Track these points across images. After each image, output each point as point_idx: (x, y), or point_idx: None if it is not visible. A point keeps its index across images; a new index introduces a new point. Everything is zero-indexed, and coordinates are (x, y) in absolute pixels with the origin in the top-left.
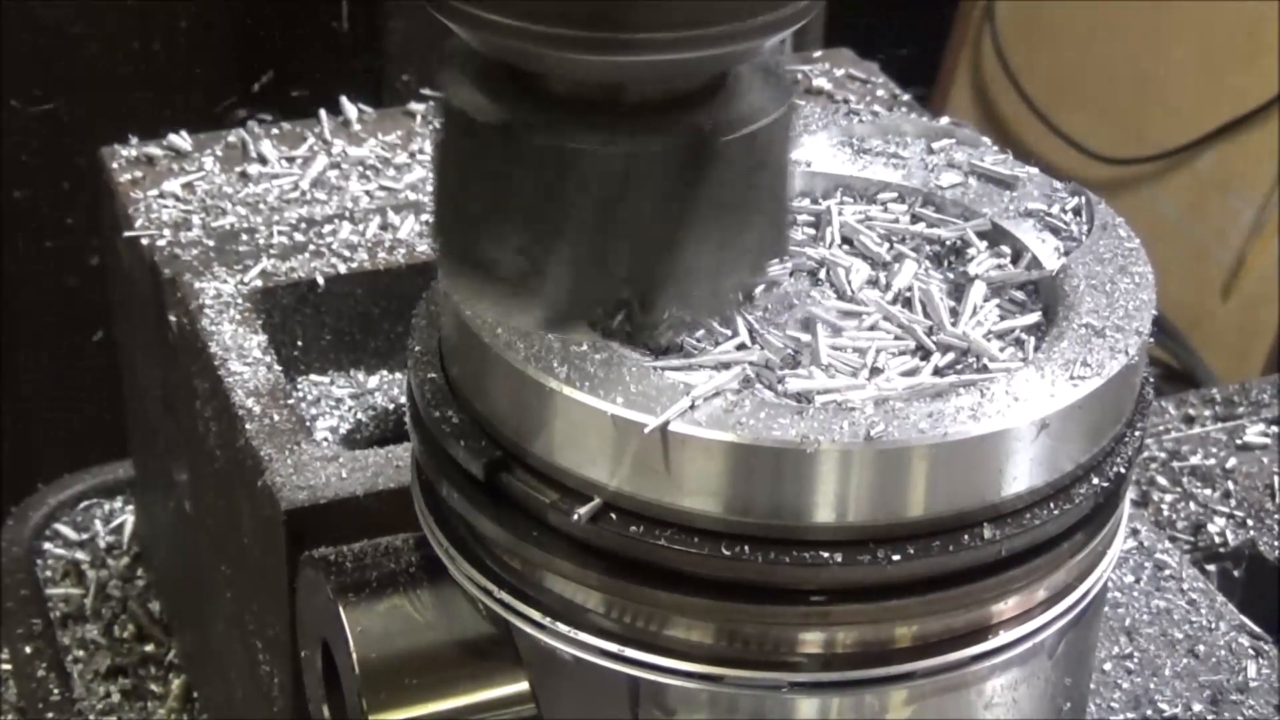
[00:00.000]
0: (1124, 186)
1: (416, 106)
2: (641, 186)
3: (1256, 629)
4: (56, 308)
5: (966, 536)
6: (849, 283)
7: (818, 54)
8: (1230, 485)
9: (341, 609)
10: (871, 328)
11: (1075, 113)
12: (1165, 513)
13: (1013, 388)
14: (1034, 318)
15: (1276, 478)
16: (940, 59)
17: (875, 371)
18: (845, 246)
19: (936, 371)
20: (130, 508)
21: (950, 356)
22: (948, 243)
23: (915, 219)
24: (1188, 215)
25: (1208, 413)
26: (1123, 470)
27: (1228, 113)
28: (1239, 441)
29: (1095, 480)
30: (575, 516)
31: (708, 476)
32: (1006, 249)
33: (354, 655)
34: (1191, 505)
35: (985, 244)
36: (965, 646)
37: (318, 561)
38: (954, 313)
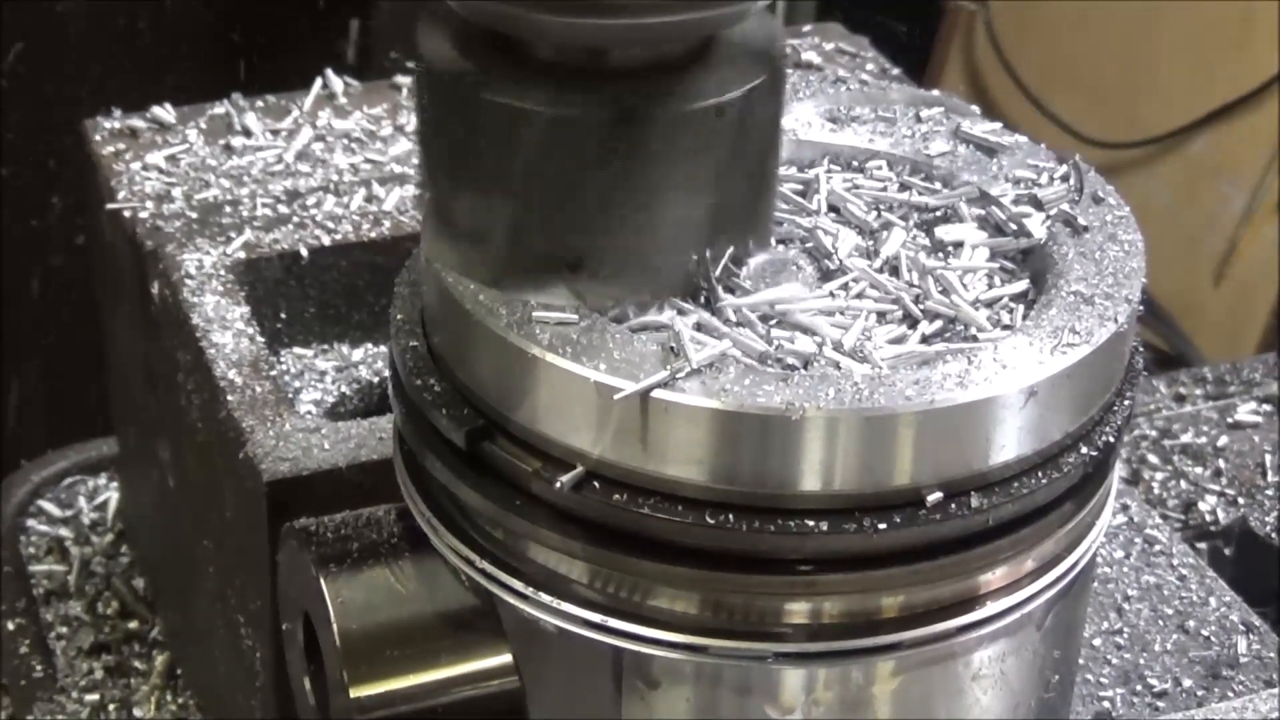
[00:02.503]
0: (1115, 171)
1: (402, 80)
2: (604, 152)
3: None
4: (41, 287)
5: (954, 505)
6: (836, 251)
7: (807, 28)
8: (1221, 463)
9: (322, 580)
10: (859, 296)
11: (1067, 97)
12: (1156, 491)
13: (1001, 355)
14: (1022, 286)
15: (1268, 456)
16: (933, 42)
17: (863, 339)
18: (833, 214)
19: (924, 339)
20: (114, 484)
21: (938, 324)
22: (936, 211)
23: (903, 187)
24: (1179, 201)
25: (1199, 391)
26: (1112, 439)
27: (1220, 98)
28: (1230, 420)
29: (1084, 449)
30: (558, 485)
31: (692, 444)
32: (996, 216)
33: (335, 627)
34: (1182, 484)
35: (973, 212)
36: (952, 617)
37: (299, 532)
38: (942, 281)
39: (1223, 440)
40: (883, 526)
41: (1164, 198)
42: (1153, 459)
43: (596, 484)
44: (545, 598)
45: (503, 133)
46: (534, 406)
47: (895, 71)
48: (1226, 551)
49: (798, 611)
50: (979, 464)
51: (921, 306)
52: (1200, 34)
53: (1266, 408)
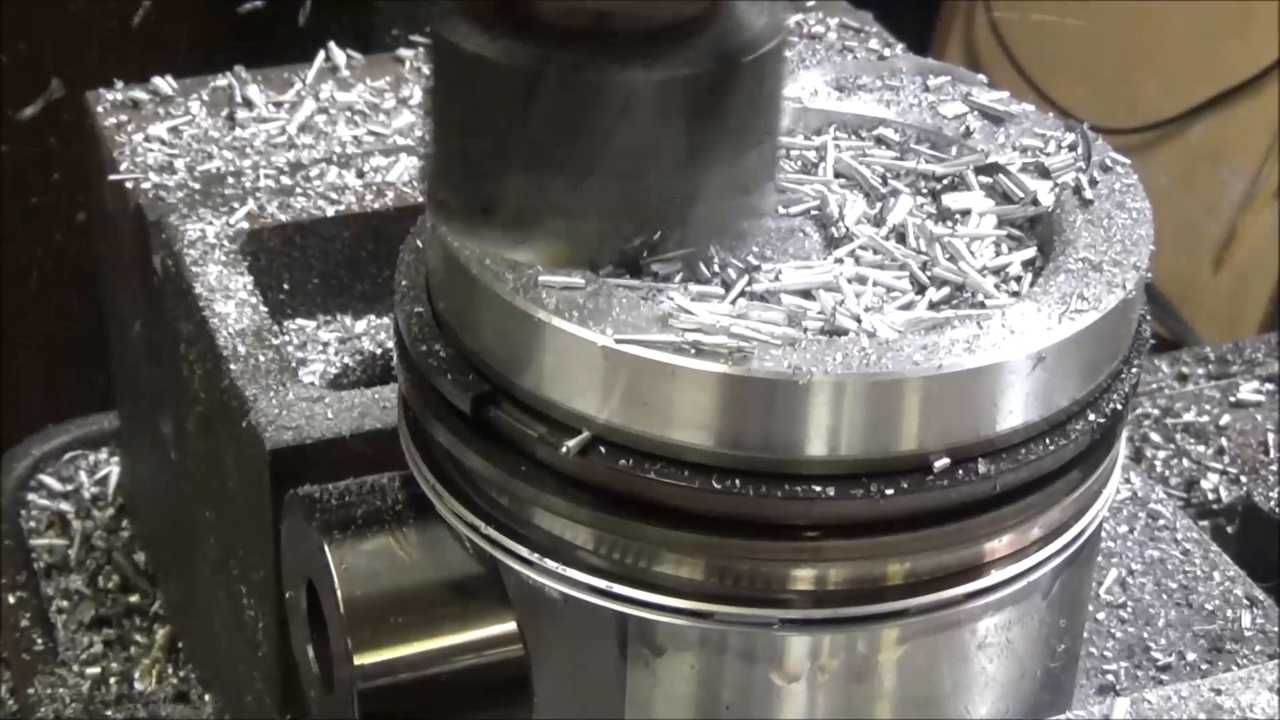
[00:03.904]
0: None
1: (405, 52)
2: (612, 118)
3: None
4: (43, 264)
5: (961, 471)
6: (843, 218)
7: (811, 3)
8: (1224, 442)
9: (326, 547)
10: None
11: (1067, 82)
12: (1159, 469)
13: (1009, 321)
14: (1030, 253)
15: (1270, 434)
16: (932, 27)
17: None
18: (840, 181)
19: (932, 306)
20: (115, 459)
21: (945, 291)
22: (944, 179)
23: (910, 155)
24: (1179, 186)
25: (1201, 371)
26: (1119, 407)
27: (1220, 83)
28: (1233, 399)
29: (1091, 416)
30: (564, 450)
31: (698, 409)
32: (1003, 184)
33: (339, 594)
34: (1185, 462)
35: (981, 180)
36: (959, 584)
37: (302, 500)
38: (949, 248)
39: (1225, 419)
40: (889, 492)
41: (1163, 183)
42: (1155, 437)
43: (602, 449)
44: (550, 564)
45: (502, 95)
46: (540, 371)
47: (899, 46)
48: (1229, 529)
49: (803, 578)
50: (986, 430)
51: (929, 273)
52: (1200, 20)
53: (1269, 386)
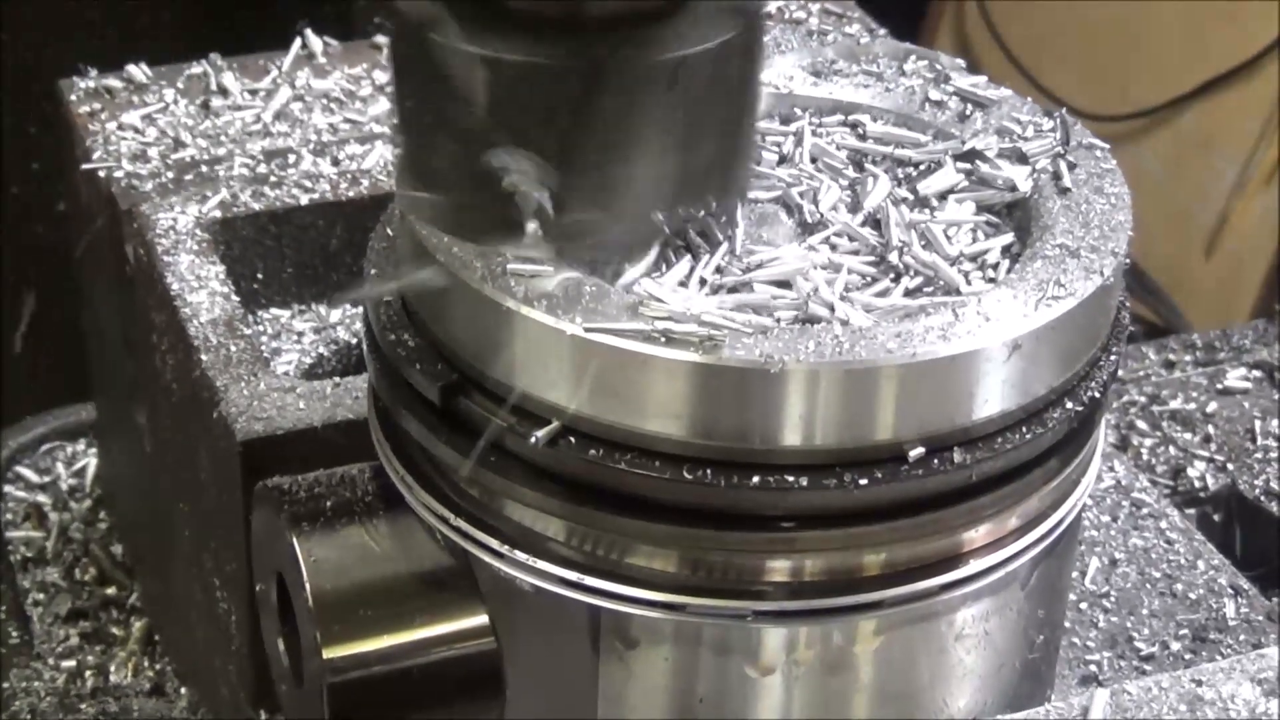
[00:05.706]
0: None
1: (382, 40)
2: (573, 102)
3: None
4: (23, 254)
5: (936, 461)
6: (819, 204)
7: None
8: (1210, 429)
9: (295, 539)
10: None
11: (1058, 69)
12: (1145, 457)
13: (984, 308)
14: (1007, 239)
15: (1257, 422)
16: (923, 15)
17: (845, 294)
18: (814, 167)
19: (907, 293)
20: (93, 450)
21: (921, 279)
22: (920, 164)
23: (887, 140)
24: (1170, 173)
25: (1188, 358)
26: (1097, 395)
27: (1211, 70)
28: (1219, 386)
29: (1069, 404)
30: (533, 440)
31: (669, 398)
32: (980, 170)
33: (308, 586)
34: (1171, 449)
35: (958, 165)
36: (935, 575)
37: (271, 491)
38: (925, 234)
39: (1212, 406)
40: (864, 482)
41: (1155, 170)
42: (1142, 425)
43: (573, 439)
44: (521, 556)
45: (473, 82)
46: (509, 360)
47: (882, 32)
48: (1215, 517)
49: (778, 569)
50: (962, 419)
51: (904, 261)
52: (1192, 6)
53: (1256, 374)
